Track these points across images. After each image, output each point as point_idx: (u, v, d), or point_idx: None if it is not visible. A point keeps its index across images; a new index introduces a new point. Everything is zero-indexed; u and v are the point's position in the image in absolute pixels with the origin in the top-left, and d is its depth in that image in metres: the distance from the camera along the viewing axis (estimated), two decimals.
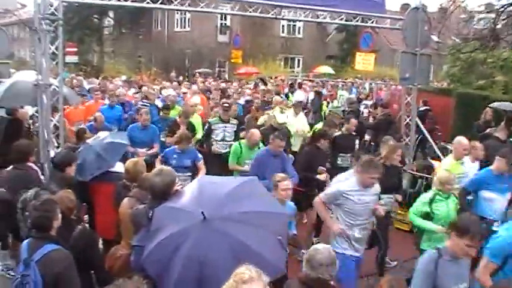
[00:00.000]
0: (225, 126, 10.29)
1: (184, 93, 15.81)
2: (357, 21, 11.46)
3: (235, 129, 10.41)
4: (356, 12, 11.20)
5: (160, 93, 15.99)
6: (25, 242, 4.53)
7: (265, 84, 23.20)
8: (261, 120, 11.67)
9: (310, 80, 28.63)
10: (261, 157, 8.07)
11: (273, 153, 8.01)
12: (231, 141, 10.08)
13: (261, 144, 8.95)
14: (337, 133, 9.89)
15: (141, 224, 4.72)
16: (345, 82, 27.70)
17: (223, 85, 21.76)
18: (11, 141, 7.93)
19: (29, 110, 10.41)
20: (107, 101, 13.03)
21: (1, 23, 44.43)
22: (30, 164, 6.82)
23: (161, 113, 11.56)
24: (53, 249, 4.36)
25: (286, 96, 18.39)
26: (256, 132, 8.90)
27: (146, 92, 14.43)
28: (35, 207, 4.54)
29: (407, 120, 11.97)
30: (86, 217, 6.17)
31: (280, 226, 4.42)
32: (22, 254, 4.41)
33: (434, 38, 18.53)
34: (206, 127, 10.39)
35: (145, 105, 11.86)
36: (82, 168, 6.82)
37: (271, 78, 27.39)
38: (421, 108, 15.01)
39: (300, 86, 22.58)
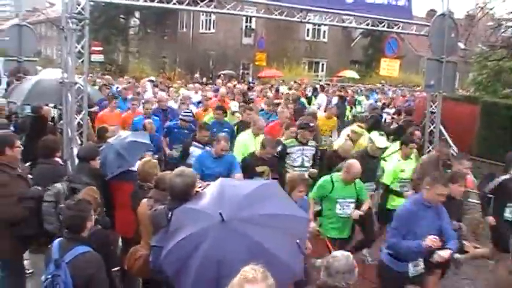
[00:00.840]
0: (303, 149, 8.68)
1: (208, 98, 13.54)
2: (383, 26, 11.40)
3: (313, 153, 8.86)
4: (382, 17, 11.14)
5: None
6: (56, 241, 4.54)
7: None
8: (339, 144, 9.45)
9: (327, 84, 28.40)
10: (410, 209, 5.80)
11: (428, 204, 5.76)
12: (309, 166, 8.66)
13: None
14: (505, 176, 7.51)
15: (160, 225, 4.72)
16: (364, 87, 27.51)
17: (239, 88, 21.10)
18: (36, 138, 8.02)
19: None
20: (141, 109, 11.21)
21: (29, 21, 45.09)
22: (57, 159, 6.85)
23: (214, 115, 10.45)
24: (84, 252, 4.39)
25: (309, 100, 18.28)
26: (356, 165, 7.08)
27: (171, 97, 13.55)
28: (69, 206, 4.54)
29: (432, 127, 11.85)
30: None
31: (300, 229, 4.39)
32: (53, 254, 4.41)
33: (461, 45, 18.33)
34: (281, 149, 8.55)
35: (188, 115, 10.06)
36: (103, 166, 6.84)
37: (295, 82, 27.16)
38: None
39: (323, 89, 22.46)
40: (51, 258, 4.38)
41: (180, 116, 9.90)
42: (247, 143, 9.01)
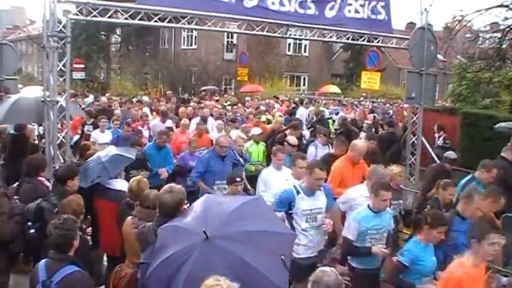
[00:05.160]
0: None
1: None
2: (363, 40, 11.51)
3: None
4: (362, 31, 11.25)
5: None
6: (42, 262, 4.44)
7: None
8: None
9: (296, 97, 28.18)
10: None
11: None
12: None
13: None
14: None
15: (148, 242, 4.67)
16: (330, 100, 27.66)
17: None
18: (17, 156, 7.95)
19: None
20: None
21: (10, 38, 44.99)
22: (41, 178, 6.76)
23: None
24: (73, 271, 4.29)
25: (291, 114, 18.21)
26: None
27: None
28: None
29: (414, 139, 11.95)
30: (89, 230, 6.12)
31: (284, 246, 4.38)
32: (40, 275, 4.32)
33: (440, 57, 18.58)
34: None
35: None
36: (85, 174, 6.81)
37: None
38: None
39: (302, 103, 22.55)
40: (39, 280, 4.29)
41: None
42: None
